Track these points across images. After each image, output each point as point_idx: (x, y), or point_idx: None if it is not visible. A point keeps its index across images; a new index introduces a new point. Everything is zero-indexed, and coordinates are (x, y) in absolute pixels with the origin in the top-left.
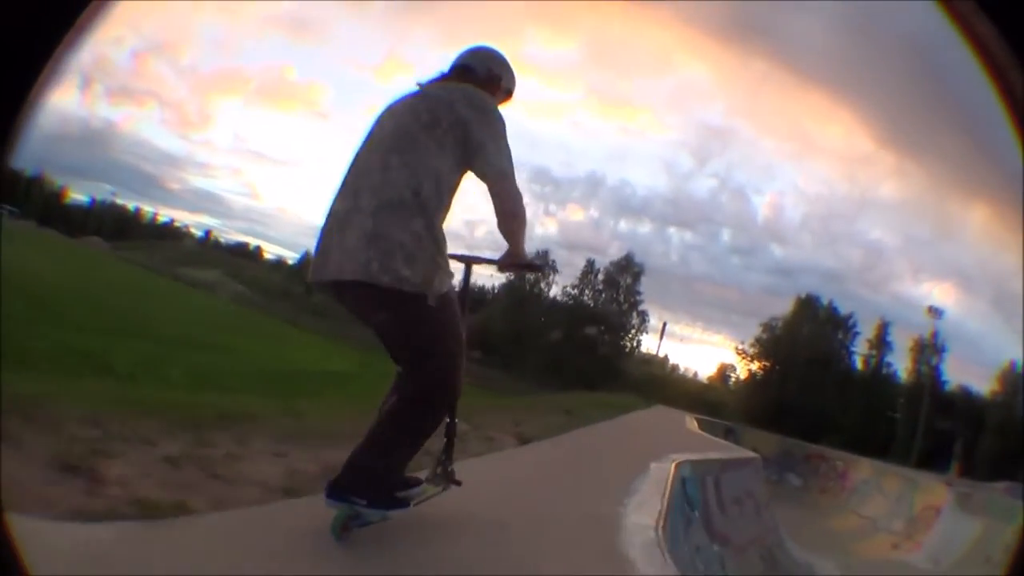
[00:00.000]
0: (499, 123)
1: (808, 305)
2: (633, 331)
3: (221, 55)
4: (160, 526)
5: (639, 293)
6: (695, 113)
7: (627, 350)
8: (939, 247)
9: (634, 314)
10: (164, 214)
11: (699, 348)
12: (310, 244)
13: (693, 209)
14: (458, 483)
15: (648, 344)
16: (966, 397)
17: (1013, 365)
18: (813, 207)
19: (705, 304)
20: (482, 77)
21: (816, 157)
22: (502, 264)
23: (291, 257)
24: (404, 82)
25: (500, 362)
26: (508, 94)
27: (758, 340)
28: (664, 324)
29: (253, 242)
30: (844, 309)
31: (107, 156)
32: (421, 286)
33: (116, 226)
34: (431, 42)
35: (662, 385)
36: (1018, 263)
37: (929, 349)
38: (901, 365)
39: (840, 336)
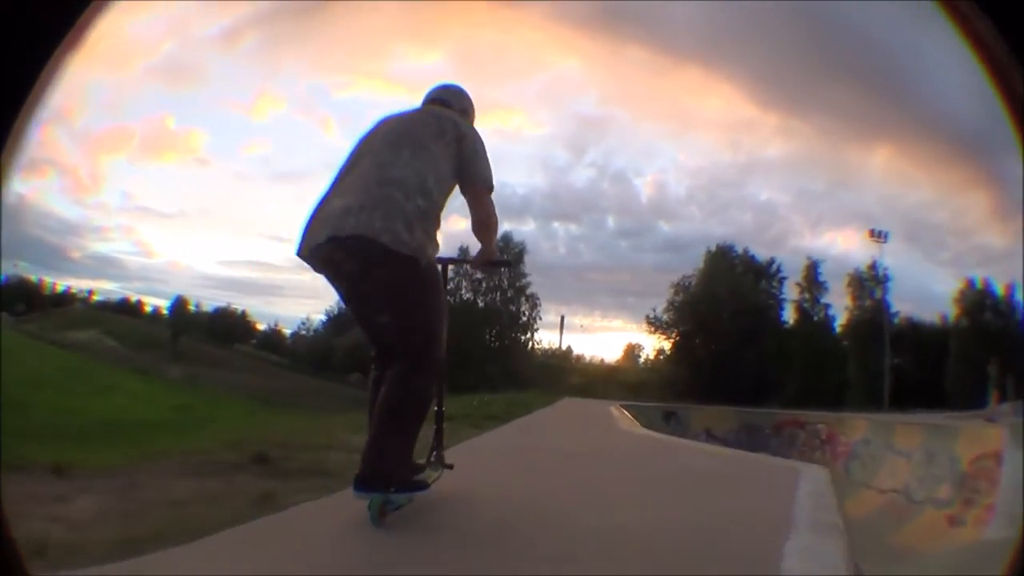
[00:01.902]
0: (483, 144)
1: (721, 257)
2: (527, 321)
3: (108, 114)
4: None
5: (524, 276)
6: (569, 107)
7: (526, 346)
8: (837, 196)
9: (523, 300)
10: (65, 283)
11: (601, 336)
12: (202, 294)
13: (575, 201)
14: (450, 466)
15: (550, 340)
16: (915, 328)
17: (972, 283)
18: (697, 179)
19: (599, 292)
20: (455, 108)
21: (697, 131)
22: (475, 262)
23: (165, 305)
24: (277, 117)
25: None
26: (471, 121)
27: (672, 304)
28: (562, 317)
29: (134, 297)
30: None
31: (19, 231)
32: (416, 250)
33: (24, 299)
34: (300, 74)
35: (568, 375)
36: (928, 195)
37: (870, 281)
38: (840, 304)
39: (763, 284)
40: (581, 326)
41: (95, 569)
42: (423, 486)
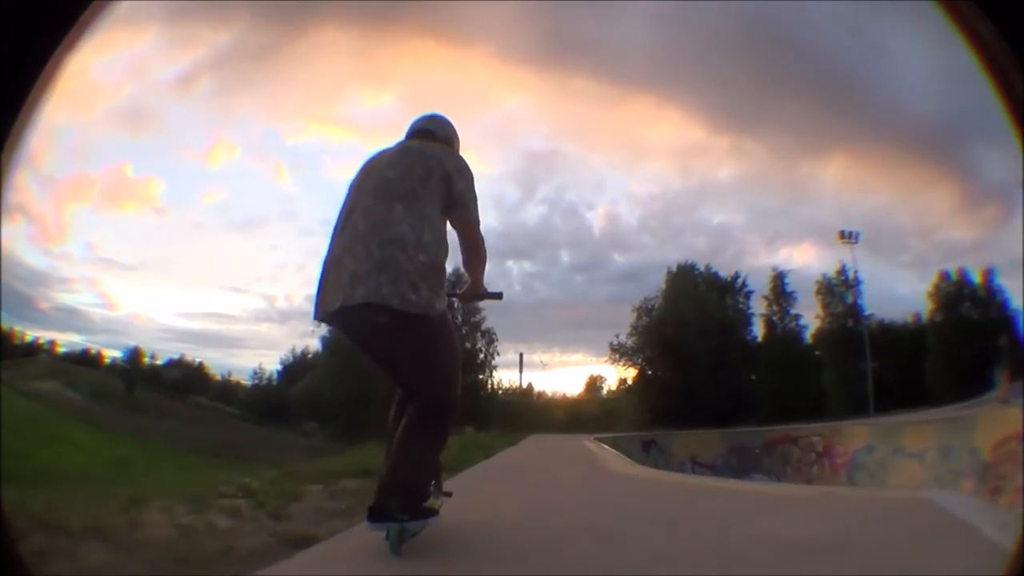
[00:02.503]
0: (472, 179)
1: (683, 276)
2: (484, 359)
3: (73, 160)
4: None
5: (479, 311)
6: (519, 144)
7: (484, 385)
8: (792, 211)
9: (479, 336)
10: (33, 333)
11: (562, 371)
12: (163, 347)
13: (527, 238)
14: (448, 494)
15: (510, 379)
16: (887, 330)
17: (946, 275)
18: (649, 208)
19: (557, 327)
20: (440, 138)
21: (647, 160)
22: (465, 296)
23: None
24: (232, 164)
25: (339, 430)
26: (456, 151)
27: (635, 328)
28: (521, 355)
29: (94, 348)
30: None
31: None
32: (425, 307)
33: None
34: (253, 120)
35: (532, 413)
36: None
37: (840, 286)
38: (809, 314)
39: (729, 300)
40: (541, 363)
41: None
42: (433, 513)
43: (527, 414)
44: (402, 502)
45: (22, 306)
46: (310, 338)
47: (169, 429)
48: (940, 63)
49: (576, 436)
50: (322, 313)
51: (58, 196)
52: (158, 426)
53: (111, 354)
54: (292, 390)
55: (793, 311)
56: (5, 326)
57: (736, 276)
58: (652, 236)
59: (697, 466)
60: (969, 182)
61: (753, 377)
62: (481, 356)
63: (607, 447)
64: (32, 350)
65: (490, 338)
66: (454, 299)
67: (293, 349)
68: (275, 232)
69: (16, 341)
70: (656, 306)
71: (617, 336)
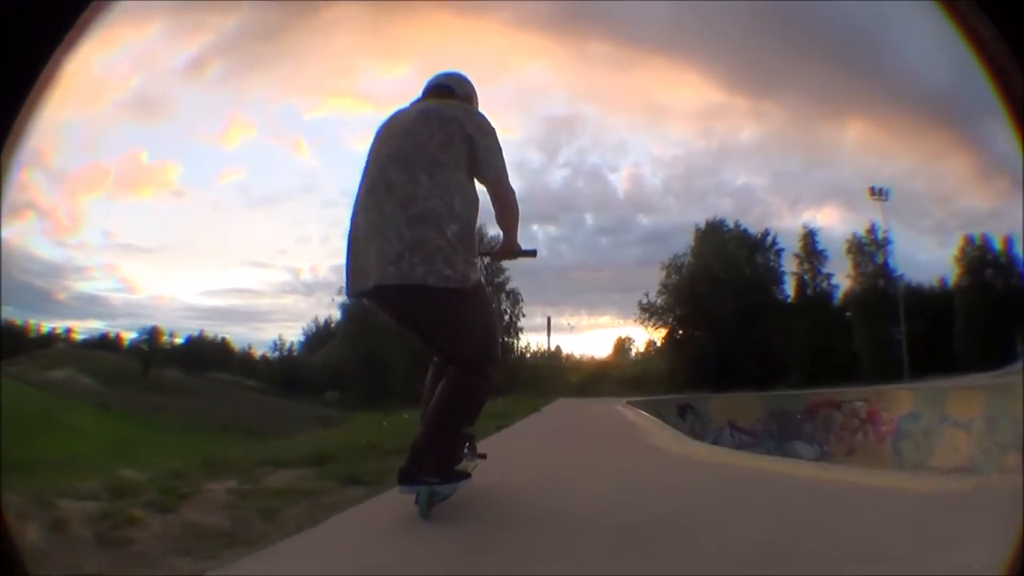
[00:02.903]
0: (495, 134)
1: (712, 233)
2: (510, 320)
3: (83, 153)
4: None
5: (503, 271)
6: (539, 109)
7: (511, 349)
8: (813, 174)
9: (504, 297)
10: (50, 324)
11: (590, 334)
12: (189, 325)
13: (552, 202)
14: (483, 456)
15: (538, 342)
16: (915, 293)
17: (971, 240)
18: (672, 170)
19: (584, 290)
20: (460, 96)
21: (668, 122)
22: (499, 254)
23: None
24: (249, 143)
25: (362, 396)
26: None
27: (665, 286)
28: (549, 318)
29: (112, 332)
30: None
31: (8, 277)
32: (460, 281)
33: (11, 344)
34: (268, 98)
35: (560, 376)
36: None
37: (870, 246)
38: (842, 272)
39: (759, 258)
40: (569, 326)
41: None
42: (465, 476)
43: (554, 377)
44: (433, 464)
45: (38, 300)
46: (333, 308)
47: (183, 407)
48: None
49: (606, 400)
50: (355, 290)
51: (69, 189)
52: (173, 404)
53: (131, 337)
54: (313, 359)
55: (824, 270)
56: (19, 320)
57: (766, 233)
58: (676, 198)
59: (736, 431)
60: (985, 152)
61: (785, 338)
62: (506, 318)
63: (644, 414)
64: (49, 341)
65: (515, 299)
66: (486, 258)
67: (316, 319)
68: (297, 206)
69: (31, 335)
70: (686, 263)
71: (646, 295)
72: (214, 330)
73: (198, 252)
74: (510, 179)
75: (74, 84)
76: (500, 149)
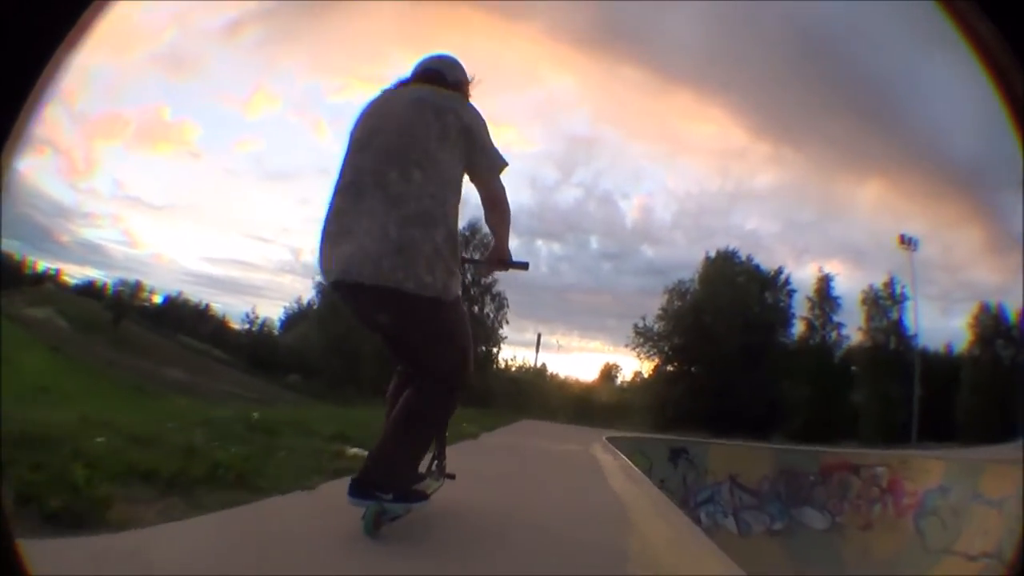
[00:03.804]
0: (487, 127)
1: (722, 263)
2: (492, 326)
3: (107, 99)
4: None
5: (490, 277)
6: (560, 124)
7: (491, 359)
8: (824, 227)
9: (488, 300)
10: (45, 264)
11: (579, 355)
12: (185, 289)
13: (560, 220)
14: (452, 476)
15: (523, 357)
16: (925, 357)
17: (986, 308)
18: (684, 205)
19: (579, 312)
20: (450, 82)
21: (686, 156)
22: (489, 264)
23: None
24: (271, 115)
25: (327, 383)
26: (467, 98)
27: (666, 312)
28: (539, 335)
29: (99, 281)
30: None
31: (11, 208)
32: (440, 291)
33: (8, 277)
34: (296, 74)
35: (540, 394)
36: (919, 229)
37: (886, 300)
38: (853, 325)
39: (769, 297)
40: (558, 344)
41: (86, 541)
42: (422, 497)
43: (532, 395)
44: (387, 480)
45: (40, 237)
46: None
47: (135, 365)
48: (985, 104)
49: (582, 430)
50: (333, 280)
51: (89, 132)
52: (126, 360)
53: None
54: (283, 339)
55: (836, 318)
56: (18, 255)
57: (779, 272)
58: (684, 233)
59: (738, 488)
60: (999, 225)
61: (788, 385)
62: (489, 322)
63: (630, 466)
64: (41, 279)
65: (500, 303)
66: (473, 266)
67: (299, 298)
68: (307, 186)
69: (27, 271)
70: (691, 290)
71: (643, 319)
72: (210, 298)
73: (204, 217)
74: (508, 190)
75: (111, 29)
76: (493, 143)
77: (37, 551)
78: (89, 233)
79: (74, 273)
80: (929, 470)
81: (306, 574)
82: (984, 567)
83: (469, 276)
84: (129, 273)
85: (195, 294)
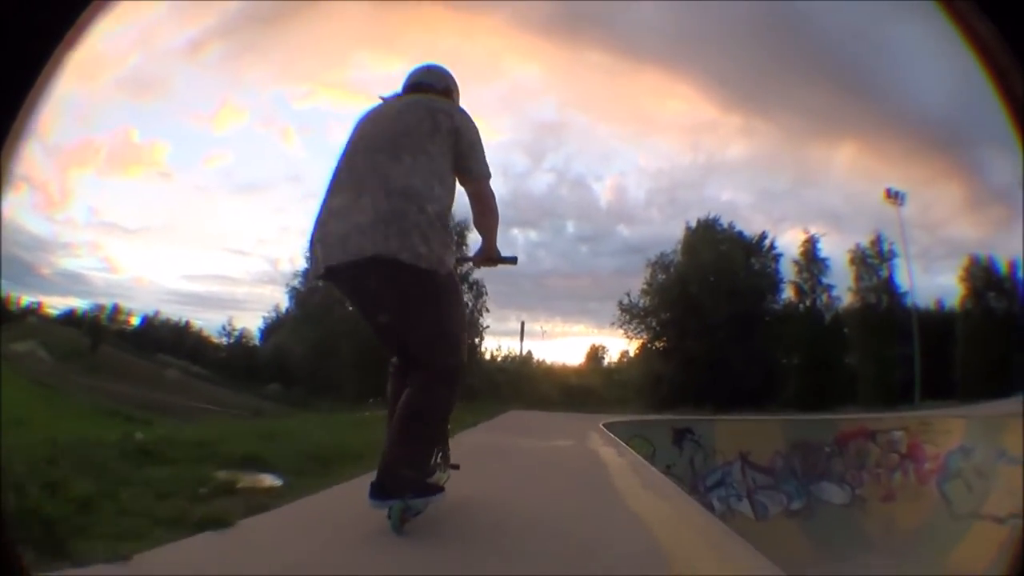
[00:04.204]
0: (478, 133)
1: (705, 230)
2: (472, 315)
3: (78, 128)
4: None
5: (467, 260)
6: (528, 112)
7: (477, 349)
8: (800, 194)
9: (466, 287)
10: (29, 298)
11: (563, 340)
12: (168, 309)
13: (534, 207)
14: (456, 467)
15: (508, 347)
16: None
17: (976, 259)
18: (657, 182)
19: (560, 297)
20: (440, 91)
21: (657, 134)
22: (478, 260)
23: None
24: (238, 128)
25: (308, 391)
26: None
27: (650, 286)
28: (522, 323)
29: (80, 309)
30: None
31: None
32: (435, 263)
33: None
34: (261, 85)
35: (527, 382)
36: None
37: (874, 258)
38: (844, 285)
39: (755, 263)
40: (542, 331)
41: (94, 568)
42: (439, 489)
43: (519, 384)
44: (406, 478)
45: (23, 273)
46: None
47: (113, 389)
48: (956, 61)
49: (574, 418)
50: (322, 267)
51: (63, 163)
52: (105, 385)
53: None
54: (262, 349)
55: (826, 280)
56: (3, 292)
57: (763, 236)
58: (659, 210)
59: (749, 467)
60: (977, 180)
61: (781, 351)
62: (468, 310)
63: (635, 457)
64: (26, 314)
65: (479, 291)
66: (464, 263)
67: (276, 307)
68: (280, 195)
69: (12, 307)
70: (674, 262)
71: (627, 294)
72: (192, 315)
73: (180, 236)
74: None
75: (78, 58)
76: (483, 149)
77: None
78: (69, 263)
79: (57, 304)
80: (949, 430)
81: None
82: (1011, 530)
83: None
84: (112, 299)
85: (177, 313)
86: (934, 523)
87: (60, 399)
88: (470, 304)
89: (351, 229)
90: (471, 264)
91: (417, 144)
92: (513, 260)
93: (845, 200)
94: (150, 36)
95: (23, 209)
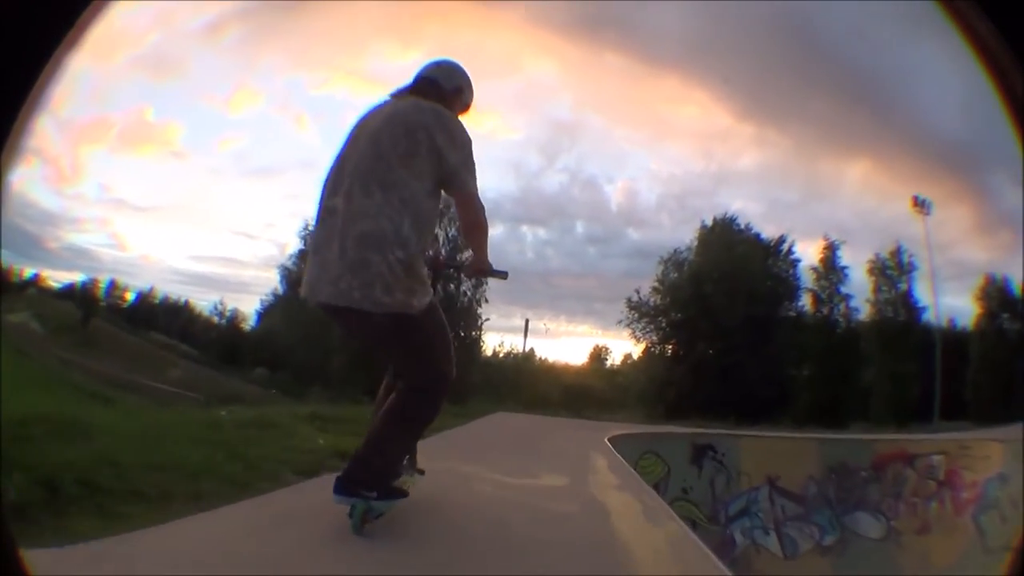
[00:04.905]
0: (468, 145)
1: (721, 229)
2: (468, 305)
3: (92, 104)
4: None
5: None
6: (543, 111)
7: (466, 339)
8: (809, 208)
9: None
10: (35, 271)
11: (567, 340)
12: (172, 289)
13: (544, 205)
14: (422, 472)
15: (513, 343)
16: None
17: (991, 279)
18: (668, 187)
19: (566, 297)
20: (447, 91)
21: (670, 139)
22: (469, 270)
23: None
24: (253, 112)
25: (294, 377)
26: (467, 106)
27: (661, 283)
28: (527, 320)
29: (78, 283)
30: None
31: (6, 220)
32: (401, 306)
33: None
34: (278, 69)
35: (526, 380)
36: (904, 209)
37: (894, 269)
38: (861, 296)
39: (773, 266)
40: (545, 328)
41: (84, 547)
42: (403, 493)
43: (517, 382)
44: (371, 479)
45: (29, 245)
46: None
47: (91, 365)
48: (973, 81)
49: (573, 426)
50: (310, 300)
51: (76, 138)
52: (84, 360)
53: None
54: (253, 331)
55: (844, 289)
56: (4, 264)
57: (782, 239)
58: (669, 215)
59: (778, 494)
60: (988, 203)
61: (798, 361)
62: (464, 301)
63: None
64: (27, 286)
65: (477, 280)
66: (455, 270)
67: (274, 290)
68: (292, 181)
69: (14, 279)
70: (688, 260)
71: (638, 291)
72: (197, 296)
73: (190, 216)
74: (481, 190)
75: (96, 34)
76: (472, 162)
77: (38, 559)
78: (77, 238)
79: (61, 278)
80: (988, 455)
81: (300, 574)
82: None
83: (443, 253)
84: (118, 275)
85: (182, 293)
86: (967, 558)
87: (29, 369)
88: (468, 293)
89: (321, 274)
90: (461, 272)
91: (389, 174)
92: (504, 275)
93: (855, 216)
94: (169, 16)
95: (33, 182)
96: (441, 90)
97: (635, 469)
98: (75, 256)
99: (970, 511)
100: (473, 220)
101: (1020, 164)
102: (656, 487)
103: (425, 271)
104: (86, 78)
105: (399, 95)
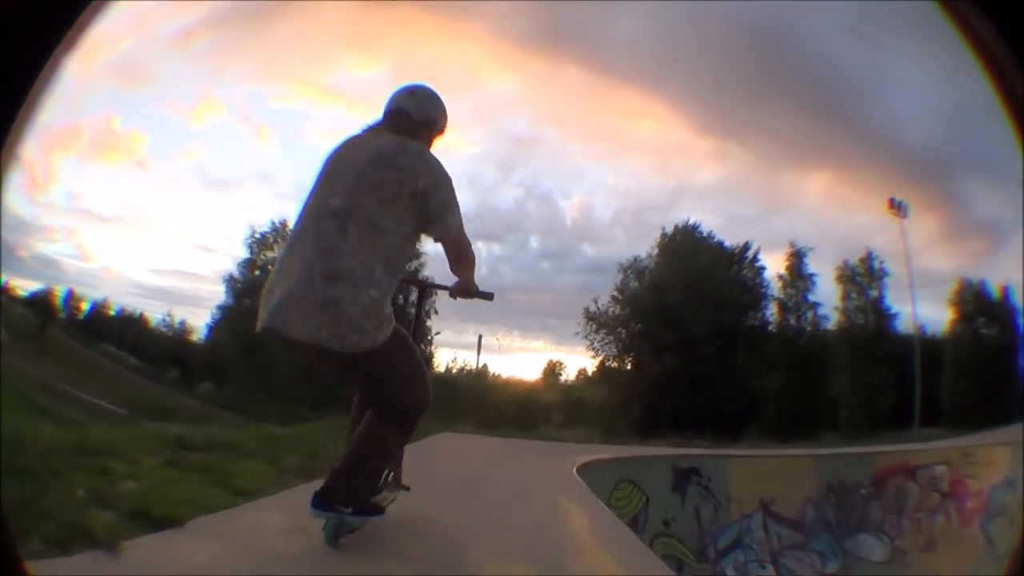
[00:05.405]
0: (450, 186)
1: (683, 237)
2: (413, 315)
3: (67, 110)
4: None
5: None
6: (501, 125)
7: (424, 357)
8: (768, 220)
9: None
10: (6, 280)
11: (520, 356)
12: (131, 302)
13: (499, 221)
14: (407, 488)
15: (466, 360)
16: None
17: (967, 283)
18: (624, 202)
19: (520, 312)
20: (419, 121)
21: (628, 154)
22: (454, 292)
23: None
24: (215, 123)
25: (241, 393)
26: (441, 132)
27: (621, 293)
28: (480, 336)
29: (40, 291)
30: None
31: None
32: (369, 343)
33: None
34: (242, 80)
35: (480, 397)
36: (866, 220)
37: (863, 276)
38: (830, 304)
39: (735, 273)
40: (499, 344)
41: (83, 557)
42: (379, 511)
43: (472, 397)
44: (347, 495)
45: (6, 253)
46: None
47: (28, 372)
48: (941, 92)
49: (532, 449)
50: (269, 330)
51: (49, 145)
52: (27, 368)
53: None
54: (201, 344)
55: (811, 297)
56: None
57: (746, 247)
58: (624, 230)
59: (772, 519)
60: (956, 213)
61: (767, 371)
62: (411, 312)
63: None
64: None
65: (426, 292)
66: (438, 291)
67: (222, 301)
68: (250, 193)
69: None
70: (649, 268)
71: (595, 301)
72: (155, 310)
73: (151, 228)
74: (463, 219)
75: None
76: (455, 202)
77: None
78: (45, 248)
79: (28, 287)
80: (992, 461)
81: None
82: None
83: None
84: (79, 287)
85: (140, 306)
86: (977, 569)
87: None
88: (415, 305)
89: (287, 300)
90: (448, 294)
91: (367, 216)
92: (490, 296)
93: (815, 227)
94: (146, 21)
95: (11, 190)
96: (413, 121)
97: (609, 503)
98: (43, 266)
99: (977, 520)
100: (460, 256)
101: (1020, 164)
102: (633, 521)
103: (390, 309)
104: (66, 84)
105: (373, 130)
